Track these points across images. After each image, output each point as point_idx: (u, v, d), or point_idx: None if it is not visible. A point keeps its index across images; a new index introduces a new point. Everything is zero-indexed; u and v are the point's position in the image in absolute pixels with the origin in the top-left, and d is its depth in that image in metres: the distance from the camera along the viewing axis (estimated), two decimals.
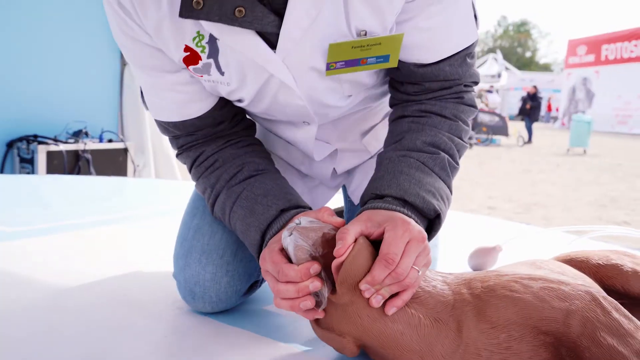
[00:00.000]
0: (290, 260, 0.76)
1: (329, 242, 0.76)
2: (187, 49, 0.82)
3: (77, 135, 3.70)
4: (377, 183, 0.83)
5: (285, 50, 0.81)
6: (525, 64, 53.32)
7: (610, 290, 0.95)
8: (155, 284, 1.14)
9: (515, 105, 27.86)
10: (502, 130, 13.04)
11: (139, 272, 1.23)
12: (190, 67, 0.84)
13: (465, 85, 0.91)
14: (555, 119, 25.15)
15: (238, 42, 0.80)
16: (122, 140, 4.01)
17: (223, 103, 0.92)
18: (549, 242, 1.66)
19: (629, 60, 19.10)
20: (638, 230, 1.41)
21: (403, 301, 0.74)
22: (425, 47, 0.85)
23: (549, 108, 26.87)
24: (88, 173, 3.56)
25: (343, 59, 0.82)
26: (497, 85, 27.25)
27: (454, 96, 0.90)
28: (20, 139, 3.53)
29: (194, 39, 0.81)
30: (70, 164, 3.52)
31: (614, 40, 19.91)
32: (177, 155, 0.98)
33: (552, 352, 0.73)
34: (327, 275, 0.76)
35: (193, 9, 0.75)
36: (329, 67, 0.83)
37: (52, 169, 3.43)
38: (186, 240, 0.99)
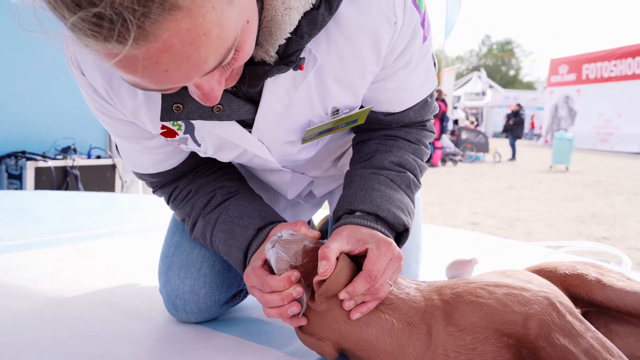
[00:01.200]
0: (272, 272, 0.83)
1: (308, 253, 0.83)
2: (163, 127, 0.86)
3: (66, 151, 3.75)
4: (351, 198, 0.89)
5: (261, 131, 0.86)
6: (509, 82, 54.08)
7: (575, 299, 1.03)
8: (145, 295, 1.19)
9: (499, 123, 28.22)
10: (484, 147, 13.24)
11: (129, 284, 1.29)
12: (164, 139, 0.89)
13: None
14: (539, 136, 25.50)
15: (215, 128, 0.85)
16: (110, 157, 4.05)
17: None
18: (525, 256, 1.74)
19: (609, 79, 19.48)
20: (607, 245, 1.49)
21: (368, 309, 0.80)
22: (392, 100, 0.93)
23: (532, 125, 27.26)
24: (76, 189, 3.60)
25: (316, 132, 0.89)
26: (482, 103, 27.65)
27: (417, 125, 0.99)
28: (8, 155, 3.57)
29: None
30: (59, 179, 3.56)
31: (595, 60, 20.31)
32: (154, 192, 1.04)
33: (514, 352, 0.79)
34: (306, 282, 0.82)
35: (173, 113, 0.79)
36: (303, 139, 0.90)
37: (40, 184, 3.46)
38: (167, 257, 1.05)
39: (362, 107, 0.91)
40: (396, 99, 0.93)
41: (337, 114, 0.87)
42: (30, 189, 3.41)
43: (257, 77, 0.74)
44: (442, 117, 11.45)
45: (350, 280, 0.80)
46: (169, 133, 0.87)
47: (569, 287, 1.04)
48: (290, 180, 1.07)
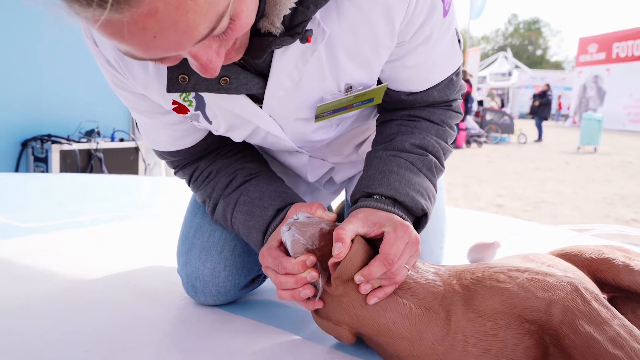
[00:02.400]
0: (288, 254, 0.82)
1: (325, 236, 0.81)
2: (175, 102, 0.85)
3: (90, 134, 3.79)
4: (369, 181, 0.87)
5: (271, 107, 0.85)
6: (536, 62, 53.00)
7: (602, 284, 1.00)
8: (164, 277, 1.19)
9: (525, 104, 27.74)
10: (509, 128, 13.04)
11: (148, 266, 1.29)
12: (179, 115, 0.89)
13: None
14: (566, 117, 24.99)
15: (225, 102, 0.84)
16: (133, 140, 4.09)
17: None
18: (550, 239, 1.70)
19: None
20: (636, 229, 1.44)
21: (385, 293, 0.79)
22: (413, 79, 0.90)
23: (560, 106, 26.71)
24: (100, 171, 3.65)
25: (330, 109, 0.87)
26: (508, 84, 27.17)
27: (442, 105, 0.95)
28: (34, 139, 3.62)
29: (181, 94, 0.84)
30: (83, 162, 3.60)
31: (625, 38, 19.74)
32: (175, 173, 1.04)
33: (536, 339, 0.77)
34: (322, 266, 0.81)
35: (179, 84, 0.78)
36: (317, 117, 0.88)
37: (65, 167, 3.51)
38: (187, 239, 1.04)
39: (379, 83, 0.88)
40: (418, 78, 0.90)
41: (351, 90, 0.85)
42: (55, 171, 3.46)
43: (260, 48, 0.73)
44: (466, 98, 11.29)
45: (366, 264, 0.78)
46: (180, 109, 0.86)
47: (595, 272, 1.01)
48: (309, 163, 1.05)
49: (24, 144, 3.65)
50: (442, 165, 0.93)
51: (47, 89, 3.75)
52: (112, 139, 3.93)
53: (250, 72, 0.80)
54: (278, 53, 0.78)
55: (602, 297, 0.94)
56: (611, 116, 18.48)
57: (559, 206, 5.30)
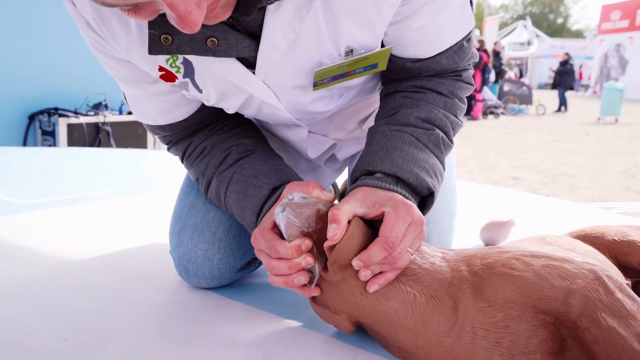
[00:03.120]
0: (282, 237, 0.75)
1: (322, 218, 0.75)
2: (161, 69, 0.79)
3: (97, 107, 3.74)
4: (369, 158, 0.80)
5: (265, 71, 0.77)
6: (557, 30, 51.77)
7: (625, 268, 0.92)
8: (159, 257, 1.14)
9: (545, 74, 27.21)
10: (527, 99, 12.80)
11: (145, 245, 1.24)
12: (168, 83, 0.82)
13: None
14: (587, 87, 24.46)
15: (214, 66, 0.77)
16: None
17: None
18: (568, 216, 1.62)
19: None
20: None
21: (386, 280, 0.72)
22: (420, 43, 0.81)
23: (580, 76, 26.11)
24: (108, 145, 3.61)
25: (329, 76, 0.79)
26: (527, 53, 26.61)
27: (452, 74, 0.87)
28: (41, 112, 3.58)
29: (167, 60, 0.78)
30: (91, 136, 3.56)
31: None
32: (168, 150, 0.98)
33: (552, 332, 0.70)
34: (319, 251, 0.74)
35: (162, 45, 0.71)
36: (315, 84, 0.80)
37: (72, 141, 3.47)
38: (180, 218, 0.98)
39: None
40: (424, 41, 0.81)
41: (351, 54, 0.77)
42: (63, 145, 3.43)
43: (250, 4, 0.65)
44: (483, 69, 11.05)
45: (365, 248, 0.72)
46: (168, 76, 0.79)
47: (618, 256, 0.93)
48: (309, 139, 0.98)
49: (31, 118, 3.61)
50: (451, 141, 0.85)
51: (53, 62, 3.69)
52: (120, 112, 3.88)
53: (240, 32, 0.73)
54: (270, 10, 0.70)
55: (627, 285, 0.87)
56: (633, 86, 18.01)
57: (577, 178, 5.18)
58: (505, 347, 0.71)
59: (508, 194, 2.06)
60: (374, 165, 0.78)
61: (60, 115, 3.49)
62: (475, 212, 1.59)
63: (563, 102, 13.75)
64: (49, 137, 3.47)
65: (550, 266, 0.73)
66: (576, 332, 0.69)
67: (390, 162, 0.77)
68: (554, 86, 15.03)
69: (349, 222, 0.72)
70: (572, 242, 0.91)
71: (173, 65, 0.78)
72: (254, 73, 0.78)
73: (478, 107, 11.28)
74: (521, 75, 21.72)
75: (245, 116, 0.98)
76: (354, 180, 0.81)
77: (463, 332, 0.72)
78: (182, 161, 0.97)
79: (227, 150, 0.91)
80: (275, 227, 0.77)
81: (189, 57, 0.77)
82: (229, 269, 0.96)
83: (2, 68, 3.42)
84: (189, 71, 0.79)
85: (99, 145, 3.56)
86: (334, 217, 0.70)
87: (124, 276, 1.05)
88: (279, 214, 0.75)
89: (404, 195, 0.75)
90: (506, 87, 12.81)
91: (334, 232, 0.69)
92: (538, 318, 0.71)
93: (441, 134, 0.82)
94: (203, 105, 0.90)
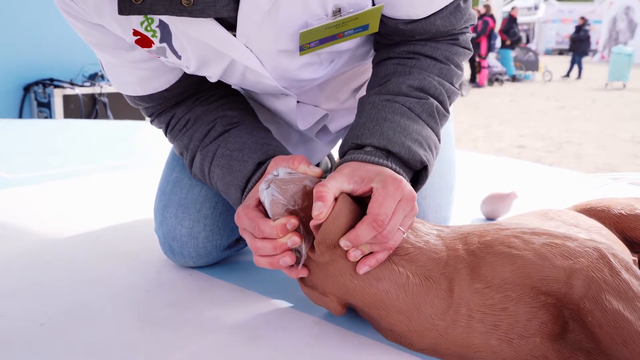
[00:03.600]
0: (267, 215, 0.71)
1: (308, 195, 0.70)
2: (136, 33, 0.73)
3: (93, 78, 3.66)
4: (358, 131, 0.74)
5: (246, 34, 0.72)
6: None
7: (632, 244, 0.88)
8: (146, 235, 1.10)
9: (552, 39, 26.76)
10: (534, 65, 12.59)
11: (133, 221, 1.20)
12: (145, 49, 0.76)
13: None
14: (595, 52, 24.05)
15: (192, 29, 0.71)
16: None
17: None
18: (573, 187, 1.56)
19: None
20: None
21: (377, 261, 0.68)
22: (413, 1, 0.75)
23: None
24: (105, 117, 3.54)
25: (316, 38, 0.73)
26: (534, 18, 26.11)
27: (447, 38, 0.80)
28: (36, 83, 3.50)
29: (142, 23, 0.72)
30: (87, 107, 3.50)
31: None
32: (151, 123, 0.93)
33: (553, 314, 0.66)
34: (306, 230, 0.70)
35: (133, 4, 0.65)
36: (302, 49, 0.74)
37: (69, 113, 3.41)
38: (164, 194, 0.94)
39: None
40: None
41: (339, 13, 0.71)
42: (59, 117, 3.37)
43: None
44: (489, 35, 10.82)
45: (354, 227, 0.67)
46: (143, 41, 0.74)
47: (625, 230, 0.89)
48: (299, 109, 0.92)
49: (27, 89, 3.54)
50: (447, 111, 0.79)
51: (48, 31, 3.60)
52: None
53: None
54: None
55: (634, 262, 0.82)
56: None
57: (583, 146, 5.11)
58: (503, 331, 0.67)
59: (511, 164, 2.00)
60: (362, 138, 0.73)
61: (56, 86, 3.42)
62: (476, 184, 1.54)
63: (579, 67, 13.40)
64: (44, 108, 3.41)
65: (551, 244, 0.68)
66: (579, 315, 0.64)
67: (380, 135, 0.72)
68: (570, 49, 14.61)
69: (336, 199, 0.67)
70: (576, 217, 0.87)
71: (148, 28, 0.72)
72: (234, 36, 0.72)
73: (483, 75, 11.10)
74: (528, 41, 21.35)
75: (232, 86, 0.92)
76: (343, 154, 0.76)
77: (458, 315, 0.68)
78: (165, 134, 0.92)
79: (212, 123, 0.86)
80: (259, 205, 0.72)
81: (165, 19, 0.71)
82: (216, 248, 0.92)
83: None
84: (166, 35, 0.73)
85: (95, 117, 3.50)
86: (319, 194, 0.65)
87: (108, 255, 1.01)
88: (263, 191, 0.70)
89: (394, 170, 0.70)
90: (512, 54, 12.60)
91: (319, 211, 0.64)
92: (538, 300, 0.67)
93: (436, 103, 0.77)
94: (185, 74, 0.84)
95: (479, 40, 10.60)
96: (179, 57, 0.76)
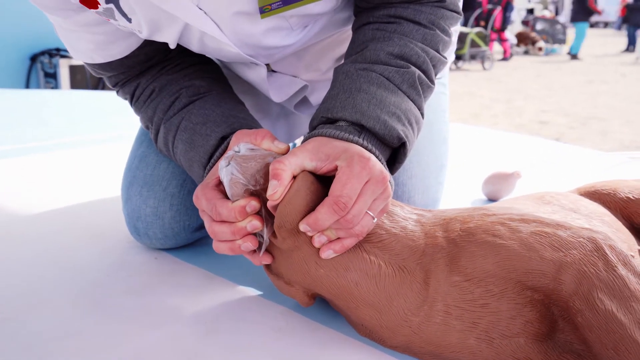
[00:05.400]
0: (227, 196, 0.64)
1: None
2: None
3: None
4: (330, 103, 0.66)
5: None
6: None
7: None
8: (118, 213, 1.04)
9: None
10: (562, 39, 12.20)
11: (106, 198, 1.14)
12: (93, 10, 0.68)
13: None
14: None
15: None
16: None
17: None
18: (583, 166, 1.46)
19: None
20: None
21: (343, 247, 0.61)
22: None
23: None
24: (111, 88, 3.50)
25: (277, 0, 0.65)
26: None
27: (432, 0, 0.71)
28: (42, 53, 3.45)
29: None
30: (94, 78, 3.45)
31: None
32: (117, 94, 0.86)
33: (540, 311, 0.59)
34: (268, 213, 0.63)
35: None
36: (263, 11, 0.66)
37: (75, 83, 3.36)
38: (130, 170, 0.88)
39: None
40: None
41: None
42: (65, 88, 3.33)
43: None
44: (505, 7, 10.42)
45: None
46: (89, 1, 0.66)
47: (632, 216, 0.80)
48: (271, 79, 0.84)
49: (33, 59, 3.49)
50: (431, 81, 0.70)
51: None
52: None
53: None
54: None
55: (636, 257, 0.74)
56: None
57: (609, 122, 4.92)
58: (482, 329, 0.60)
59: (526, 141, 1.89)
60: (334, 111, 0.65)
61: (62, 56, 3.36)
62: (483, 162, 1.45)
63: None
64: (51, 79, 3.36)
65: (541, 233, 0.61)
66: (568, 314, 0.57)
67: (352, 108, 0.64)
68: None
69: (296, 178, 0.60)
70: (576, 201, 0.78)
71: None
72: None
73: (506, 47, 10.79)
74: (557, 13, 20.71)
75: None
76: (312, 129, 0.68)
77: (434, 311, 0.61)
78: (131, 106, 0.85)
79: (177, 93, 0.78)
80: (220, 184, 0.66)
81: None
82: (184, 229, 0.86)
83: (1, 6, 3.29)
84: None
85: (102, 88, 3.45)
86: (275, 171, 0.58)
87: (71, 235, 0.95)
88: (223, 169, 0.63)
89: (364, 147, 0.62)
90: (539, 26, 12.22)
91: (274, 190, 0.57)
92: (524, 295, 0.59)
93: (418, 72, 0.68)
94: (145, 41, 0.77)
95: (494, 11, 10.17)
96: (130, 21, 0.69)
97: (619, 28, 23.89)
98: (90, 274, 0.81)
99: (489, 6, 10.08)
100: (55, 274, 0.81)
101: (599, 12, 11.37)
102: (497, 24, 10.28)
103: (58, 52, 3.49)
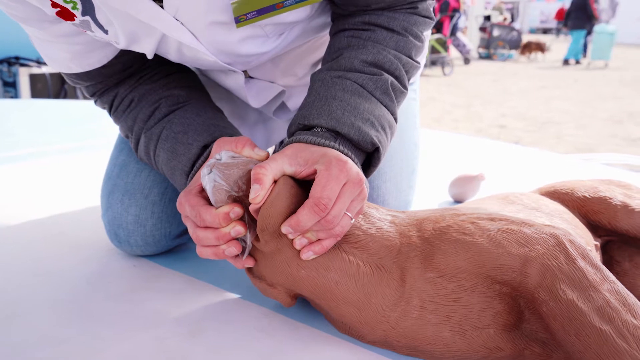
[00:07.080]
0: (210, 202, 0.66)
1: None
2: (54, 4, 0.66)
3: None
4: (306, 111, 0.69)
5: (175, 5, 0.66)
6: None
7: (596, 227, 0.85)
8: (96, 222, 1.04)
9: (536, 18, 26.71)
10: (517, 44, 12.55)
11: (82, 209, 1.14)
12: (69, 22, 0.69)
13: None
14: None
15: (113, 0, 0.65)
16: None
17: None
18: (543, 168, 1.53)
19: None
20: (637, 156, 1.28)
21: (323, 247, 0.64)
22: None
23: (558, 15, 25.59)
24: (74, 97, 3.44)
25: (253, 9, 0.67)
26: None
27: (406, 7, 0.75)
28: (1, 61, 3.38)
29: None
30: (55, 87, 3.38)
31: None
32: (95, 103, 0.87)
33: (508, 303, 0.63)
34: (251, 218, 0.66)
35: None
36: (238, 20, 0.68)
37: (36, 93, 3.30)
38: (110, 179, 0.89)
39: None
40: None
41: None
42: (25, 97, 3.26)
43: None
44: (452, 15, 10.65)
45: None
46: (64, 14, 0.67)
47: (589, 214, 0.86)
48: (248, 85, 0.87)
49: None
50: (404, 87, 0.74)
51: None
52: None
53: None
54: None
55: (596, 246, 0.79)
56: (624, 29, 17.74)
57: (563, 126, 5.10)
58: (456, 322, 0.64)
59: (485, 145, 1.97)
60: (310, 118, 0.68)
61: (22, 65, 3.30)
62: (449, 166, 1.50)
63: (577, 50, 11.73)
64: (10, 88, 3.29)
65: (507, 230, 0.65)
66: (534, 305, 0.61)
67: (328, 115, 0.67)
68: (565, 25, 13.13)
69: (276, 182, 0.63)
70: (537, 201, 0.83)
71: (67, 0, 0.66)
72: (162, 7, 0.66)
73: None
74: (512, 20, 21.28)
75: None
76: (290, 135, 0.71)
77: (410, 306, 0.65)
78: (110, 116, 0.86)
79: (156, 103, 0.80)
80: (203, 191, 0.68)
81: None
82: (165, 236, 0.88)
83: None
84: (88, 7, 0.67)
85: (64, 97, 3.39)
86: (256, 176, 0.61)
87: (51, 243, 0.96)
88: (205, 177, 0.65)
89: (341, 152, 0.65)
90: (495, 32, 12.55)
91: (256, 194, 0.60)
92: (493, 289, 0.63)
93: (391, 79, 0.72)
94: (122, 50, 0.78)
95: (442, 20, 10.43)
96: (106, 32, 0.70)
97: (558, 34, 24.62)
98: (70, 282, 0.82)
99: (438, 15, 10.35)
100: (36, 283, 0.81)
101: (597, 18, 11.54)
102: (445, 32, 10.51)
103: (17, 61, 3.42)
